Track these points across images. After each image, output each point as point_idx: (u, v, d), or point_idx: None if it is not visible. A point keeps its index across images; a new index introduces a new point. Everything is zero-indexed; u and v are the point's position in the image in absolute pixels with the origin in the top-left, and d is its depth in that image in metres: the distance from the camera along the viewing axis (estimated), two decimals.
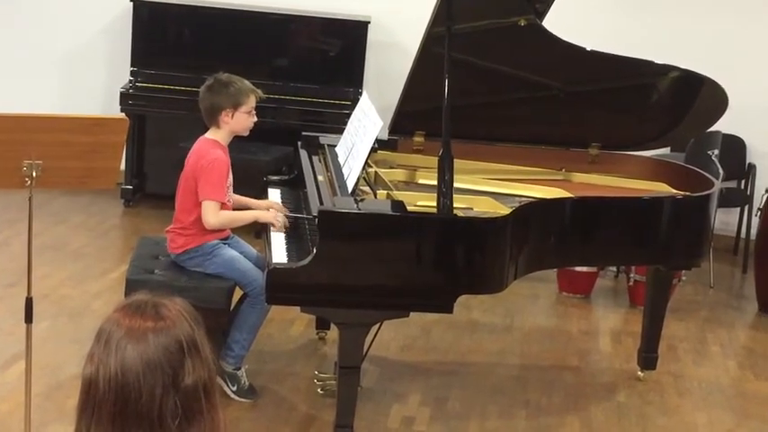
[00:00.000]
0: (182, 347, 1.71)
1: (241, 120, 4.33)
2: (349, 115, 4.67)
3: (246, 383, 4.35)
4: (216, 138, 4.34)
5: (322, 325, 4.98)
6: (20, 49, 7.23)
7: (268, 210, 4.39)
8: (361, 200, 3.91)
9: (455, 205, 3.81)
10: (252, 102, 4.34)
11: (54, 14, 7.22)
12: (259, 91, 4.39)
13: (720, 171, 5.83)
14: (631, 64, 4.65)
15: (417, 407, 4.46)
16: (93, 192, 6.74)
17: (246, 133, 4.42)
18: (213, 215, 4.26)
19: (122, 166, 6.02)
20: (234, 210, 4.42)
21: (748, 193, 6.91)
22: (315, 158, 4.60)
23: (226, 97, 4.29)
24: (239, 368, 4.34)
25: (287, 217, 4.35)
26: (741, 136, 6.90)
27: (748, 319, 6.03)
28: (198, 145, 4.36)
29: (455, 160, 3.81)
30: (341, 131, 4.61)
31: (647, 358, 4.90)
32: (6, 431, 3.91)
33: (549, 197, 4.34)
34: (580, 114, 4.88)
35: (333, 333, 4.87)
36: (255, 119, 4.40)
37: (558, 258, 4.44)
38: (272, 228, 4.24)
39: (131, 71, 6.76)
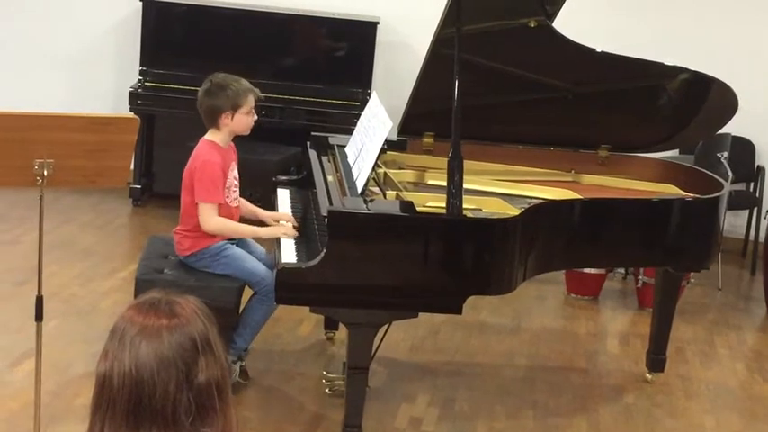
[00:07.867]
0: (195, 345, 1.72)
1: (241, 120, 4.31)
2: (357, 116, 4.66)
3: (236, 378, 4.33)
4: (214, 139, 4.32)
5: (330, 325, 4.98)
6: (29, 49, 7.26)
7: (278, 222, 4.39)
8: (371, 200, 3.90)
9: (464, 206, 3.81)
10: (251, 102, 4.31)
11: (63, 14, 7.24)
12: (257, 90, 4.36)
13: (729, 173, 5.83)
14: (641, 65, 4.65)
15: (425, 407, 4.46)
16: (101, 191, 6.76)
17: (247, 133, 4.40)
18: (209, 217, 4.24)
19: (131, 166, 6.03)
20: (242, 217, 4.44)
21: (757, 195, 6.91)
22: (324, 159, 4.60)
23: (224, 99, 4.25)
24: (235, 361, 4.35)
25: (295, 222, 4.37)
26: (750, 138, 6.90)
27: (756, 322, 6.03)
28: (196, 147, 4.36)
29: (464, 161, 3.81)
30: (349, 132, 4.60)
31: (656, 360, 4.90)
32: (16, 429, 3.92)
33: (558, 198, 4.34)
34: (589, 116, 4.88)
35: (341, 333, 4.88)
36: (255, 117, 4.38)
37: (566, 260, 4.44)
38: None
39: (140, 71, 6.79)
